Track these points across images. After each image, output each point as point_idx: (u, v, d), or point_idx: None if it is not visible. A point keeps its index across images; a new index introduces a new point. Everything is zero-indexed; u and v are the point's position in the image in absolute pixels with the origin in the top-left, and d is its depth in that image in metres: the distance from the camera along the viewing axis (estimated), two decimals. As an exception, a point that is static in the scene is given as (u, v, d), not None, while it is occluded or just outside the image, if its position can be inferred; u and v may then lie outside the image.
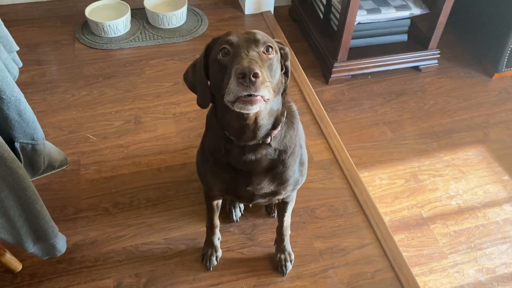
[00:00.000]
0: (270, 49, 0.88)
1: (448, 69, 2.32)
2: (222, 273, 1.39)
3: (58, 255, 1.29)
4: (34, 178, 1.51)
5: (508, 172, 1.84)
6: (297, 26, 2.54)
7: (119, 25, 2.23)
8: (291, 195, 1.25)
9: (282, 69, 0.95)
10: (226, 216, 1.52)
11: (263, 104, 0.83)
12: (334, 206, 1.60)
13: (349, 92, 2.16)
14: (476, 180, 1.81)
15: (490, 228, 1.65)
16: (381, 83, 2.22)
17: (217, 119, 0.99)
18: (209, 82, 0.96)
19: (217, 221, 1.36)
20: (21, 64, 1.41)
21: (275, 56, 0.89)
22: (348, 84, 2.20)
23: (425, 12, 2.15)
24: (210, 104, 1.00)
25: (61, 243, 1.27)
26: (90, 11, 2.27)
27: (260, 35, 0.88)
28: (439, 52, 2.27)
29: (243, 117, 0.89)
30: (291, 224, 1.41)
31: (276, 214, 1.54)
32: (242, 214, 1.53)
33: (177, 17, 2.32)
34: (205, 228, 1.41)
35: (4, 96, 1.12)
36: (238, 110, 0.83)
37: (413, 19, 2.23)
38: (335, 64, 2.14)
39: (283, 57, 0.96)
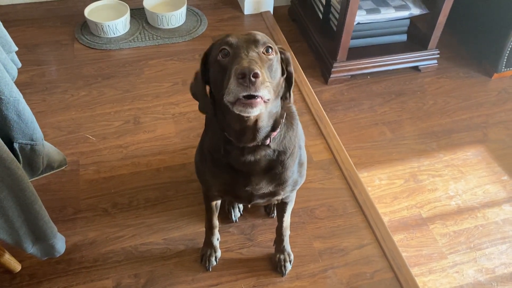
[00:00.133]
0: (270, 50, 0.88)
1: (447, 69, 2.32)
2: (221, 273, 1.39)
3: (57, 255, 1.29)
4: (33, 179, 1.50)
5: (507, 172, 1.84)
6: (297, 26, 2.54)
7: (118, 25, 2.23)
8: (290, 196, 1.25)
9: (283, 73, 0.94)
10: (225, 217, 1.52)
11: (263, 106, 0.82)
12: (333, 206, 1.60)
13: (348, 92, 2.16)
14: (475, 180, 1.81)
15: (489, 228, 1.65)
16: (380, 83, 2.22)
17: (217, 120, 0.99)
18: (208, 88, 0.96)
19: (216, 222, 1.36)
20: (20, 65, 1.41)
21: (275, 57, 0.89)
22: (347, 84, 2.20)
23: (424, 12, 2.15)
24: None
25: (60, 244, 1.27)
26: (89, 11, 2.27)
27: (260, 35, 0.88)
28: (439, 52, 2.27)
29: (243, 119, 0.89)
30: (290, 224, 1.41)
31: (275, 214, 1.54)
32: (241, 214, 1.53)
33: (177, 17, 2.32)
34: (204, 229, 1.41)
35: (3, 97, 1.12)
36: (238, 113, 0.82)
37: (412, 19, 2.23)
38: (335, 64, 2.14)
39: (284, 62, 0.95)
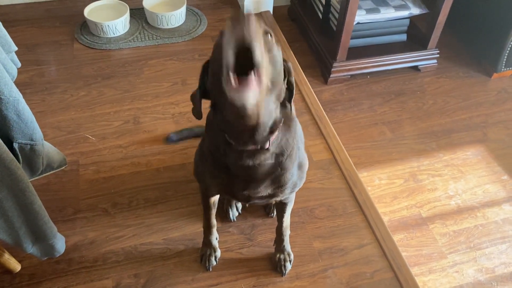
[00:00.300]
0: (270, 36, 0.82)
1: (447, 69, 2.32)
2: (221, 273, 1.39)
3: (57, 255, 1.29)
4: (33, 179, 1.50)
5: (507, 171, 1.84)
6: (296, 26, 2.54)
7: (118, 25, 2.23)
8: (289, 197, 1.24)
9: (284, 77, 0.92)
10: (225, 216, 1.52)
11: (258, 92, 0.74)
12: (333, 206, 1.60)
13: (348, 92, 2.16)
14: (475, 180, 1.81)
15: (489, 228, 1.65)
16: (380, 83, 2.22)
17: (217, 121, 0.97)
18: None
19: (214, 221, 1.36)
20: (19, 65, 1.41)
21: (276, 47, 0.83)
22: (347, 84, 2.20)
23: (424, 12, 2.15)
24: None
25: (60, 244, 1.27)
26: (89, 11, 2.27)
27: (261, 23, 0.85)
28: (438, 52, 2.27)
29: (241, 116, 0.80)
30: (290, 224, 1.40)
31: (274, 214, 1.54)
32: (239, 213, 1.53)
33: (176, 17, 2.32)
34: (202, 229, 1.41)
35: (2, 97, 1.12)
36: (233, 103, 0.74)
37: (412, 19, 2.23)
38: (334, 64, 2.14)
39: (286, 71, 0.92)
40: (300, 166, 1.12)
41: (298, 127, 1.10)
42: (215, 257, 1.40)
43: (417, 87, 2.21)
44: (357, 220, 1.56)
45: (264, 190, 1.07)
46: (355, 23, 2.04)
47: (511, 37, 2.10)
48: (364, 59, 2.18)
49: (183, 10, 2.34)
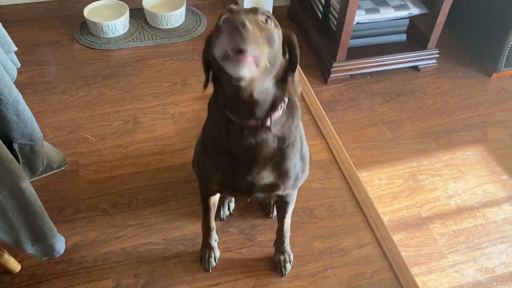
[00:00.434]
0: (269, 21, 0.85)
1: (447, 69, 2.32)
2: (221, 273, 1.39)
3: (56, 256, 1.28)
4: (33, 179, 1.50)
5: (507, 171, 1.84)
6: (296, 26, 2.53)
7: (117, 25, 2.23)
8: (291, 195, 1.24)
9: (284, 54, 0.92)
10: (226, 219, 1.53)
11: (255, 69, 0.78)
12: (333, 206, 1.60)
13: (348, 92, 2.16)
14: (475, 179, 1.81)
15: (489, 228, 1.65)
16: (380, 83, 2.22)
17: (218, 96, 0.97)
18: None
19: (213, 223, 1.36)
20: (19, 65, 1.41)
21: (274, 30, 0.86)
22: (347, 84, 2.20)
23: (423, 12, 2.15)
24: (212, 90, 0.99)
25: (59, 244, 1.27)
26: (88, 12, 2.27)
27: (261, 8, 0.86)
28: (438, 52, 2.27)
29: (238, 87, 0.84)
30: (290, 224, 1.41)
31: (274, 214, 1.54)
32: (230, 213, 1.54)
33: (176, 17, 2.32)
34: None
35: (2, 97, 1.12)
36: (229, 74, 0.77)
37: (412, 19, 2.23)
38: (334, 64, 2.14)
39: (288, 44, 0.93)
40: (302, 158, 1.12)
41: (300, 118, 1.10)
42: (215, 258, 1.40)
43: (416, 87, 2.21)
44: (357, 220, 1.56)
45: (267, 177, 1.07)
46: (354, 23, 2.04)
47: (511, 37, 2.10)
48: (363, 59, 2.18)
49: (182, 10, 2.34)
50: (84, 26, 2.31)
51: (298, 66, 0.95)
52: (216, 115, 1.03)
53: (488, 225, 1.66)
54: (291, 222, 1.43)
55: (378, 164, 1.84)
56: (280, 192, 1.15)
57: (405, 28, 2.25)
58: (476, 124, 2.04)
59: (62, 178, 1.62)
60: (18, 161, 1.25)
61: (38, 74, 2.04)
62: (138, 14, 2.41)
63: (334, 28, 2.21)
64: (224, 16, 0.78)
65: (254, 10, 0.85)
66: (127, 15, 2.27)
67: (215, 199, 1.32)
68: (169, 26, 2.34)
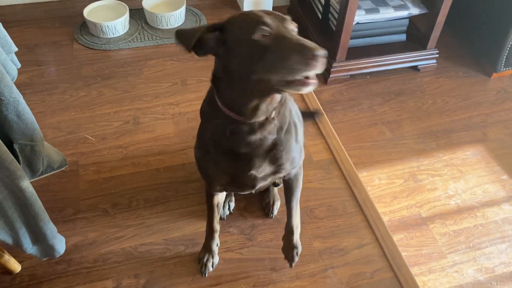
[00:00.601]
0: (296, 28, 0.89)
1: (446, 69, 2.32)
2: (221, 273, 1.39)
3: (57, 256, 1.29)
4: (33, 179, 1.50)
5: (506, 171, 1.84)
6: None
7: (117, 25, 2.23)
8: (296, 174, 1.24)
9: None
10: (226, 218, 1.53)
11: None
12: (333, 206, 1.60)
13: (347, 92, 2.16)
14: (474, 179, 1.81)
15: (489, 228, 1.65)
16: (379, 83, 2.22)
17: (223, 101, 0.97)
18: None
19: (217, 226, 1.36)
20: (19, 65, 1.41)
21: None
22: (346, 84, 2.20)
23: (423, 12, 2.15)
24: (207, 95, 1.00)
25: (60, 244, 1.27)
26: (88, 12, 2.27)
27: (283, 15, 0.89)
28: (438, 51, 2.27)
29: (266, 95, 0.91)
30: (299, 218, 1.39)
31: (274, 214, 1.54)
32: (230, 212, 1.54)
33: (176, 17, 2.32)
34: (203, 229, 1.40)
35: (2, 98, 1.12)
36: (289, 91, 0.84)
37: (411, 19, 2.23)
38: (334, 64, 2.14)
39: None
40: (298, 141, 1.15)
41: (291, 103, 1.13)
42: (213, 263, 1.39)
43: (416, 87, 2.21)
44: (357, 220, 1.56)
45: (268, 168, 1.09)
46: (354, 23, 2.04)
47: (511, 37, 2.10)
48: (363, 59, 2.18)
49: (182, 10, 2.34)
50: (84, 26, 2.31)
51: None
52: (214, 119, 1.03)
53: (488, 225, 1.66)
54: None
55: (378, 164, 1.84)
56: (281, 175, 1.17)
57: (405, 28, 2.25)
58: (476, 124, 2.04)
59: (62, 179, 1.62)
60: (18, 161, 1.25)
61: (38, 75, 2.05)
62: (138, 15, 2.41)
63: (334, 28, 2.21)
64: (322, 52, 0.79)
65: (285, 19, 0.88)
66: (127, 16, 2.27)
67: (219, 199, 1.32)
68: (169, 27, 2.34)
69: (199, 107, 1.10)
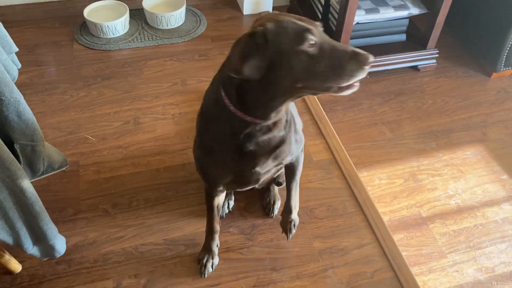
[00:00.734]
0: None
1: (446, 69, 2.32)
2: (222, 273, 1.39)
3: (57, 256, 1.29)
4: (34, 180, 1.50)
5: (506, 171, 1.85)
6: (296, 26, 2.53)
7: (117, 25, 2.23)
8: (297, 157, 1.26)
9: None
10: (225, 217, 1.53)
11: None
12: (333, 206, 1.60)
13: (347, 92, 2.16)
14: (475, 179, 1.81)
15: (489, 227, 1.65)
16: (379, 83, 2.22)
17: (240, 103, 0.95)
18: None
19: (217, 226, 1.36)
20: (20, 65, 1.41)
21: None
22: (346, 84, 2.20)
23: (423, 12, 2.15)
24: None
25: (60, 244, 1.27)
26: (88, 12, 2.27)
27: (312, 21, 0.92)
28: (438, 51, 2.27)
29: (290, 99, 0.94)
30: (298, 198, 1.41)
31: (275, 214, 1.54)
32: (230, 211, 1.54)
33: (176, 17, 2.32)
34: (204, 229, 1.40)
35: (3, 98, 1.12)
36: (334, 94, 0.89)
37: (411, 19, 2.23)
38: (334, 64, 2.14)
39: None
40: (297, 132, 1.18)
41: None
42: (212, 264, 1.39)
43: (416, 87, 2.21)
44: (357, 220, 1.56)
45: (271, 163, 1.11)
46: (354, 23, 2.04)
47: (510, 37, 2.10)
48: (363, 59, 2.18)
49: (182, 10, 2.34)
50: (84, 26, 2.31)
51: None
52: (220, 119, 1.03)
53: (488, 225, 1.66)
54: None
55: (378, 164, 1.84)
56: (282, 164, 1.19)
57: (404, 28, 2.25)
58: (476, 124, 2.04)
59: (62, 179, 1.63)
60: (19, 161, 1.25)
61: (38, 75, 2.05)
62: (138, 15, 2.41)
63: (334, 28, 2.21)
64: (372, 58, 0.87)
65: (317, 25, 0.91)
66: (127, 16, 2.27)
67: (219, 200, 1.32)
68: (169, 27, 2.34)
69: (199, 107, 1.10)
